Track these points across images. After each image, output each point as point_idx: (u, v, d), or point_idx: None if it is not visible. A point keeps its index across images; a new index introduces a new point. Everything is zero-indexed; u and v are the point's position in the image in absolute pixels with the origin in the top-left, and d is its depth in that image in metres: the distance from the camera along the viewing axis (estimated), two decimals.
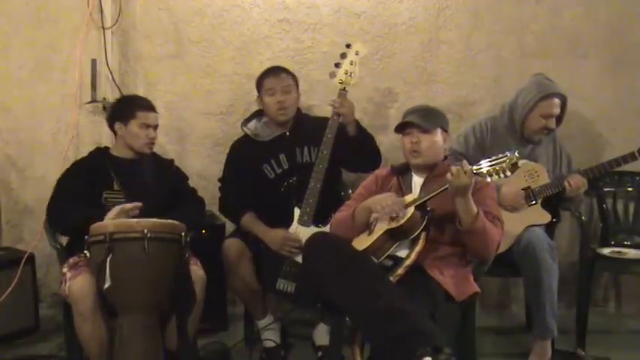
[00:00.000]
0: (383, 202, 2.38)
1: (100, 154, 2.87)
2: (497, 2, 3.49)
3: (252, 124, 3.04)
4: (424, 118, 2.48)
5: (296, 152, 2.97)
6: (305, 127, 3.02)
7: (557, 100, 3.03)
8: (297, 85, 3.02)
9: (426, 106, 2.68)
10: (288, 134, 3.00)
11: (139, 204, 2.56)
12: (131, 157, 2.82)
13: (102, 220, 2.46)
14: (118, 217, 2.48)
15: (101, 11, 3.36)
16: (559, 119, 3.10)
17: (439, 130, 2.50)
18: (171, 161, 2.98)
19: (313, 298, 2.53)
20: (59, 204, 2.70)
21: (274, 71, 3.00)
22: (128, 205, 2.54)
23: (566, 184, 2.95)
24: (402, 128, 2.53)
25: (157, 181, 2.82)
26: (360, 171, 3.06)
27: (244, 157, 3.03)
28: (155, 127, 2.83)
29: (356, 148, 2.93)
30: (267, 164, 2.97)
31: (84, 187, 2.70)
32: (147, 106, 2.84)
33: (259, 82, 3.01)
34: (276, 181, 2.98)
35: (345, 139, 2.89)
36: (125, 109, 2.82)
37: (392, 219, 2.35)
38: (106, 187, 2.72)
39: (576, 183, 2.95)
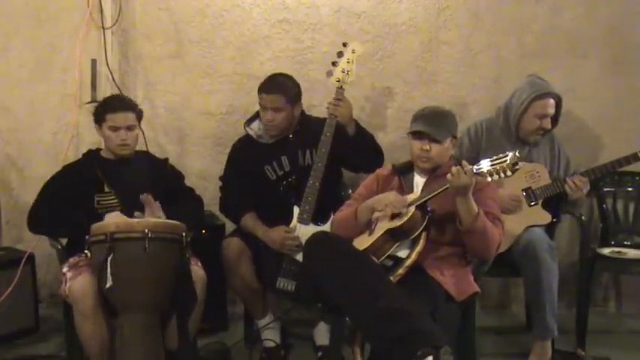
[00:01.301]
0: (386, 200, 2.38)
1: (90, 156, 2.82)
2: (498, 2, 3.49)
3: (256, 124, 3.02)
4: (437, 128, 2.45)
5: (298, 155, 2.97)
6: (308, 130, 2.99)
7: (551, 100, 3.00)
8: (293, 100, 2.92)
9: (439, 110, 2.59)
10: (291, 137, 2.99)
11: None
12: (120, 158, 2.76)
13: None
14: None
15: (101, 11, 3.36)
16: (555, 120, 3.07)
17: (450, 138, 2.50)
18: (166, 160, 2.95)
19: (313, 293, 2.53)
20: (40, 209, 2.66)
21: (268, 88, 2.91)
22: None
23: (567, 186, 2.93)
24: (413, 132, 2.50)
25: (151, 181, 2.77)
26: (363, 171, 3.03)
27: (246, 158, 3.02)
28: (127, 127, 2.70)
29: (356, 148, 2.92)
30: (268, 166, 2.97)
31: (72, 190, 2.66)
32: (115, 107, 2.71)
33: (258, 90, 2.97)
34: (277, 183, 2.98)
35: (345, 139, 2.89)
36: (98, 112, 2.74)
37: (392, 218, 2.35)
38: (96, 190, 2.68)
39: (578, 184, 2.93)
